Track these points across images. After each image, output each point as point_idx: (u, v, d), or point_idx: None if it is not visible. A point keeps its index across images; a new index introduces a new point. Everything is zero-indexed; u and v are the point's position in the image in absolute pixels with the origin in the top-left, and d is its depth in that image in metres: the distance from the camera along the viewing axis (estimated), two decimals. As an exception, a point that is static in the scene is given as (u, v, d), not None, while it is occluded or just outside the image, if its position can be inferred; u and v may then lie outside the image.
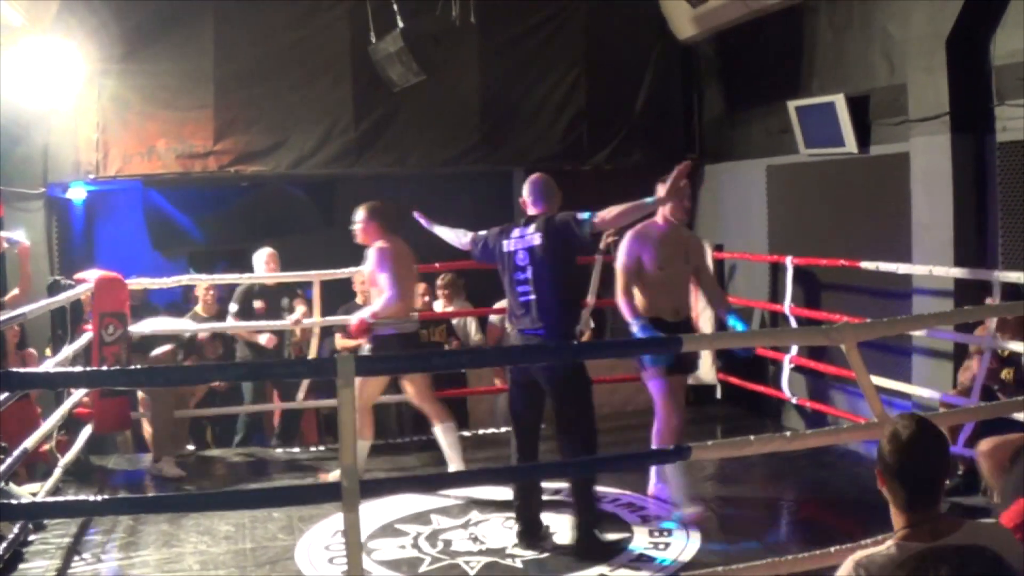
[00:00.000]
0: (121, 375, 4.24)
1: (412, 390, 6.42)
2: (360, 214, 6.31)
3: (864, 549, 2.50)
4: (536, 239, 5.16)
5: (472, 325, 8.67)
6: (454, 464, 6.35)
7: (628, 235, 5.68)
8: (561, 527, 5.42)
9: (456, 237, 5.79)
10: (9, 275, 7.45)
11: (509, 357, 5.37)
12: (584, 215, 5.02)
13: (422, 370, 7.36)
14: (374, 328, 6.11)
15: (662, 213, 5.66)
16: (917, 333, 6.29)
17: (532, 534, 5.36)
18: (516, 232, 5.27)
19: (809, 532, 5.46)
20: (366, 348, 6.29)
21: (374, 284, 6.26)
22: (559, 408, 5.25)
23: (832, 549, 3.86)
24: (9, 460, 5.27)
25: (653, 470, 5.91)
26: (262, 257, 7.96)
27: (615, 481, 6.09)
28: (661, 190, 5.36)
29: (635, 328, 5.36)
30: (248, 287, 7.93)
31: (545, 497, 5.85)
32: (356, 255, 6.99)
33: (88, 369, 5.65)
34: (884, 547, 2.40)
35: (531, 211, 5.34)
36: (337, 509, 5.58)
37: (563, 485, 5.96)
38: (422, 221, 6.01)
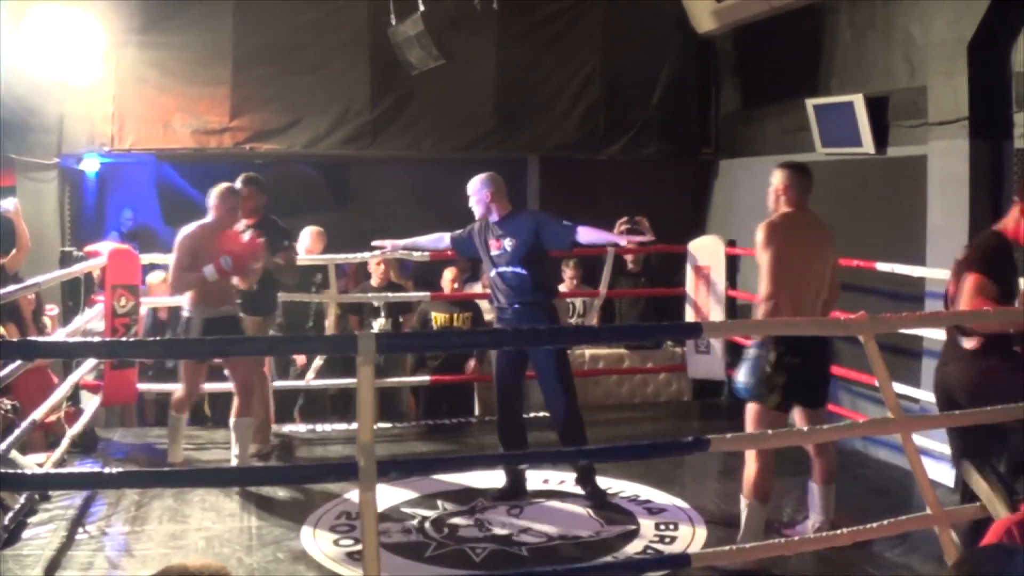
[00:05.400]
0: (138, 347, 4.23)
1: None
2: None
3: None
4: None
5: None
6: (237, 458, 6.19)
7: None
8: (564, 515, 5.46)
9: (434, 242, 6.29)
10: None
11: (524, 338, 5.27)
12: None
13: (442, 350, 7.46)
14: None
15: None
16: (927, 336, 6.29)
17: (517, 489, 5.88)
18: None
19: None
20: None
21: None
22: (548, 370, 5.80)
23: (840, 531, 3.88)
24: (18, 431, 5.27)
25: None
26: (307, 236, 7.96)
27: (621, 473, 6.09)
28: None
29: None
30: None
31: (548, 488, 5.98)
32: (365, 237, 6.99)
33: (108, 340, 5.61)
34: None
35: None
36: (343, 490, 5.67)
37: (564, 475, 6.04)
38: (386, 245, 6.50)
